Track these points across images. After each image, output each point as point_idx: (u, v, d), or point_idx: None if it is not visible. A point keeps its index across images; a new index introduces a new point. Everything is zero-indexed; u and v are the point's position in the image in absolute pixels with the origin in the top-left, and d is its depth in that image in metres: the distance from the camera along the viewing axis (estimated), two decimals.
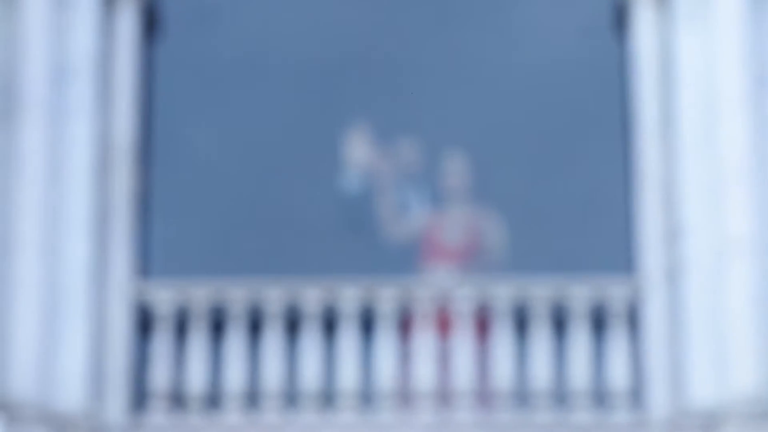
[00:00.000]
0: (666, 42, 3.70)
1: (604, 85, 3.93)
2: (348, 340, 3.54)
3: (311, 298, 3.56)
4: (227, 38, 4.02)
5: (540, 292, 3.57)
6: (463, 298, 3.58)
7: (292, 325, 3.57)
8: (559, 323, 3.59)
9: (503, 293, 3.57)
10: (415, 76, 3.98)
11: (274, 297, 3.56)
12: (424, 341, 3.54)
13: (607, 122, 3.90)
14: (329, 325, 3.58)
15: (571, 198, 3.89)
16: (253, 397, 3.51)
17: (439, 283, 3.71)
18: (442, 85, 4.00)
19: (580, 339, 3.56)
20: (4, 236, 3.39)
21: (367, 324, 3.56)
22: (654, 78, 3.73)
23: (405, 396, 3.53)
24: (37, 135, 3.46)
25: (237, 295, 3.57)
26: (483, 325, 3.62)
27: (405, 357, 3.58)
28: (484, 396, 3.55)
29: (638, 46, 3.78)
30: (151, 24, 3.89)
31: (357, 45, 4.02)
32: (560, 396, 3.54)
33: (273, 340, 3.54)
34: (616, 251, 3.75)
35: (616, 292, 3.58)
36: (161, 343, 3.54)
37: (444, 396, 3.52)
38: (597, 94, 3.94)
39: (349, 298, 3.57)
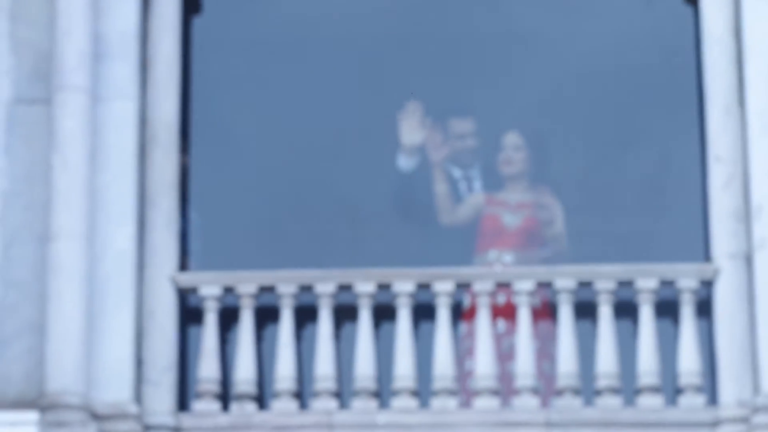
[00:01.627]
0: (738, 12, 3.50)
1: (673, 59, 3.76)
2: (404, 330, 3.39)
3: (365, 289, 3.40)
4: (271, 16, 3.87)
5: (605, 280, 3.40)
6: (524, 287, 3.41)
7: (346, 316, 3.44)
8: (626, 313, 3.43)
9: (566, 283, 3.39)
10: (471, 52, 3.83)
11: (326, 288, 3.40)
12: (484, 331, 3.38)
13: (677, 99, 3.74)
14: (383, 316, 3.44)
15: (638, 180, 3.74)
16: (304, 391, 3.38)
17: (499, 272, 3.55)
18: (499, 60, 3.84)
19: (647, 330, 3.38)
20: (45, 225, 3.28)
21: (424, 314, 3.42)
22: (725, 51, 3.55)
23: (464, 387, 3.38)
24: (76, 119, 3.33)
25: (287, 287, 3.41)
26: (544, 314, 3.49)
27: (464, 348, 3.46)
28: (545, 387, 3.42)
29: (708, 16, 3.59)
30: (192, 1, 3.75)
31: (408, 21, 3.87)
32: (626, 389, 3.37)
33: (325, 332, 3.40)
34: (687, 235, 3.59)
35: (686, 280, 3.40)
36: (207, 337, 3.42)
37: (505, 386, 3.38)
38: (665, 69, 3.76)
39: (404, 287, 3.41)
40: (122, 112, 3.47)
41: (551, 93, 3.80)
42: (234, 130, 3.80)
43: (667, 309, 3.44)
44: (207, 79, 3.79)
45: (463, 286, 3.46)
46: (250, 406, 3.38)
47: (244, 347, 3.40)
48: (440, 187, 3.76)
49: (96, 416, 3.18)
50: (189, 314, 3.53)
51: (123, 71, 3.49)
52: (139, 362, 3.35)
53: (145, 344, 3.39)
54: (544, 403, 3.37)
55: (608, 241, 3.67)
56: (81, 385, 3.16)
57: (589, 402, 3.35)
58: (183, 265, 3.59)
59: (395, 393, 3.34)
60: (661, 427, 3.32)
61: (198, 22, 3.78)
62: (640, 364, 3.35)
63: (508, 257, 3.64)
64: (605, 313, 3.38)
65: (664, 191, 3.75)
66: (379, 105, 3.83)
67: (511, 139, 3.75)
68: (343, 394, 3.37)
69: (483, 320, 3.39)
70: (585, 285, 3.39)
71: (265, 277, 3.47)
